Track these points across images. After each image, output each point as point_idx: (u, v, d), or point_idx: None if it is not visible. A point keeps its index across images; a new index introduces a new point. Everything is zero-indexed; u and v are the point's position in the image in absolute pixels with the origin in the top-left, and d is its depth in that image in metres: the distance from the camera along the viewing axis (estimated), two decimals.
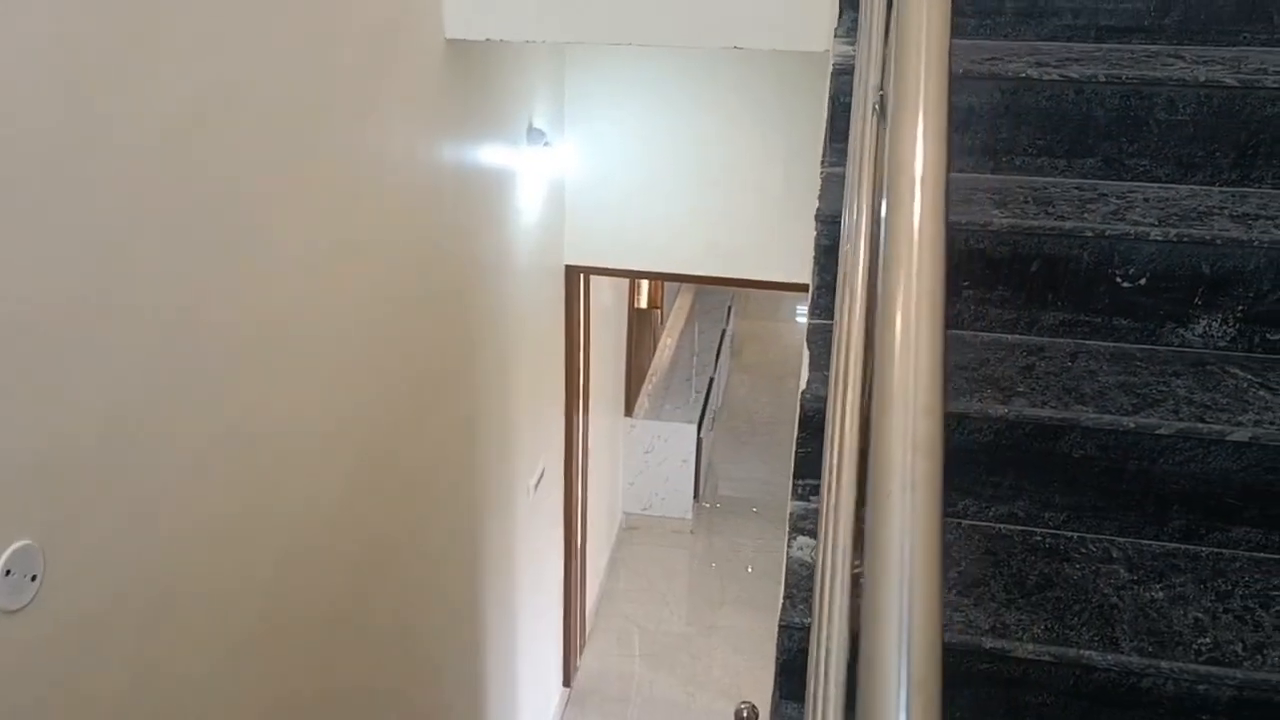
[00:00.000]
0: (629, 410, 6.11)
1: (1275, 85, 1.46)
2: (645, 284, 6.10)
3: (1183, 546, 1.26)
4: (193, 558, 1.49)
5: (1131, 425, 1.23)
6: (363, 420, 2.04)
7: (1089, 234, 1.38)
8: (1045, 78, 1.52)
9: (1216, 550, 1.25)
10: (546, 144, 3.07)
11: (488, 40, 2.22)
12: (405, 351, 2.24)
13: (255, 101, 1.52)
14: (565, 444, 4.23)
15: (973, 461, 1.31)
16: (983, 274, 1.45)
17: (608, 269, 3.95)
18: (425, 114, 2.19)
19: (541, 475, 3.76)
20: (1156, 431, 1.22)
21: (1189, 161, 1.53)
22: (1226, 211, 1.42)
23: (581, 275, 4.00)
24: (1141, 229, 1.37)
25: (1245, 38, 1.65)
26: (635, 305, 6.12)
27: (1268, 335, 1.38)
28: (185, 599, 1.48)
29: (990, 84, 1.55)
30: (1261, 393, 1.29)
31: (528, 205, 3.10)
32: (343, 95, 1.79)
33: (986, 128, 1.58)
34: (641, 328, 6.35)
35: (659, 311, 6.49)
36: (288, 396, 1.72)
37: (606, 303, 4.85)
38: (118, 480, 1.29)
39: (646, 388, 6.37)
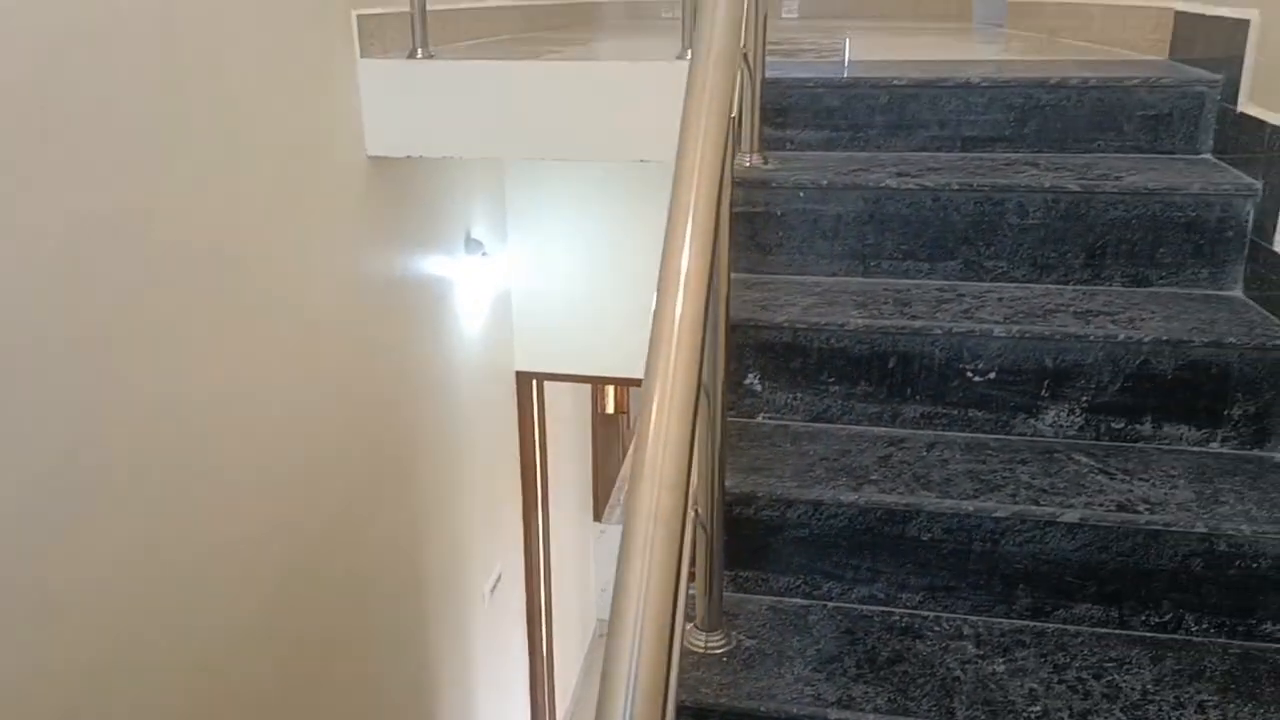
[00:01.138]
0: (598, 515, 6.10)
1: (1115, 190, 1.55)
2: (611, 389, 6.17)
3: (1030, 623, 1.29)
4: (105, 684, 1.50)
5: (971, 509, 1.28)
6: (291, 532, 2.07)
7: (938, 331, 1.45)
8: (904, 186, 1.62)
9: (1061, 626, 1.28)
10: (485, 254, 3.18)
11: (408, 157, 2.33)
12: (338, 462, 2.28)
13: (168, 227, 1.60)
14: (524, 547, 4.23)
15: (834, 546, 1.34)
16: (846, 370, 1.52)
17: (559, 374, 4.02)
18: (350, 230, 2.28)
19: (498, 579, 3.74)
20: (994, 514, 1.27)
21: (1043, 263, 1.61)
22: (1072, 309, 1.50)
23: (534, 381, 4.07)
24: (986, 326, 1.44)
25: (1099, 145, 1.76)
26: (601, 410, 6.18)
27: (1112, 424, 1.43)
28: None
29: (855, 193, 1.65)
30: (1099, 477, 1.33)
31: (470, 314, 3.19)
32: (262, 216, 1.88)
33: (854, 234, 1.67)
34: (609, 433, 6.39)
35: (625, 416, 6.54)
36: (201, 514, 1.75)
37: (566, 408, 4.90)
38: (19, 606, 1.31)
39: (617, 493, 6.38)
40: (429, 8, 2.48)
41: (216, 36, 1.71)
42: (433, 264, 2.85)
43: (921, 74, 1.81)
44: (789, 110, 1.86)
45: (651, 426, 0.78)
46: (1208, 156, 1.72)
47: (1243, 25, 1.61)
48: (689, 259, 0.86)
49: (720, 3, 1.04)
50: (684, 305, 0.83)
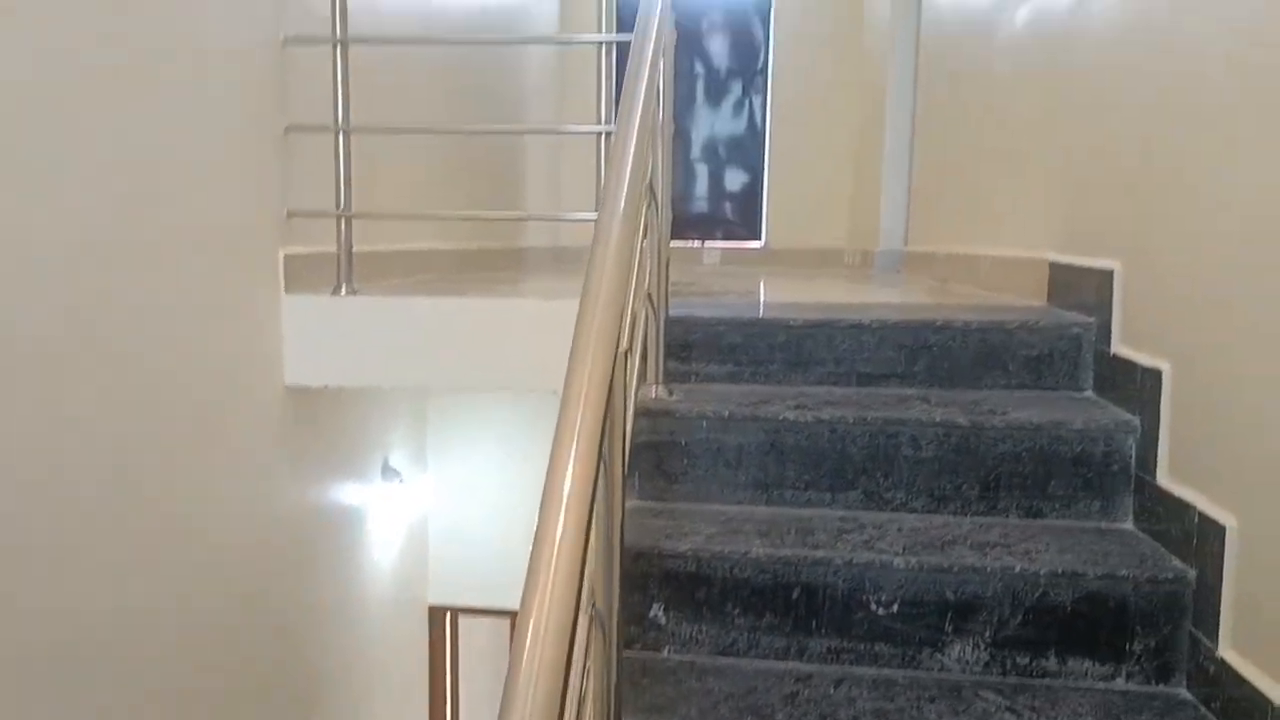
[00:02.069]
0: None
1: (1002, 425, 1.62)
2: None
3: None
4: None
5: None
6: None
7: (840, 562, 1.45)
8: (802, 419, 1.67)
9: None
10: (402, 482, 3.13)
11: (326, 387, 2.34)
12: (232, 695, 2.11)
13: (71, 447, 1.55)
14: None
15: None
16: (751, 601, 1.49)
17: (476, 609, 3.87)
18: (261, 457, 2.24)
19: None
20: None
21: (940, 494, 1.64)
22: (969, 540, 1.51)
23: (448, 615, 3.90)
24: (886, 557, 1.44)
25: (987, 383, 1.85)
26: None
27: (1017, 659, 1.41)
28: None
29: (756, 425, 1.69)
30: (1008, 716, 1.30)
31: (383, 544, 3.09)
32: (169, 443, 1.84)
33: (757, 464, 1.69)
34: None
35: None
36: None
37: (482, 643, 4.68)
38: None
39: None
40: (360, 249, 2.58)
41: (143, 266, 1.73)
42: (347, 492, 2.79)
43: (817, 314, 1.91)
44: (694, 346, 1.93)
45: (525, 657, 0.74)
46: (1090, 394, 1.81)
47: (1108, 275, 1.75)
48: (571, 482, 0.86)
49: (610, 251, 1.10)
50: (565, 528, 0.82)
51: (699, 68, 6.24)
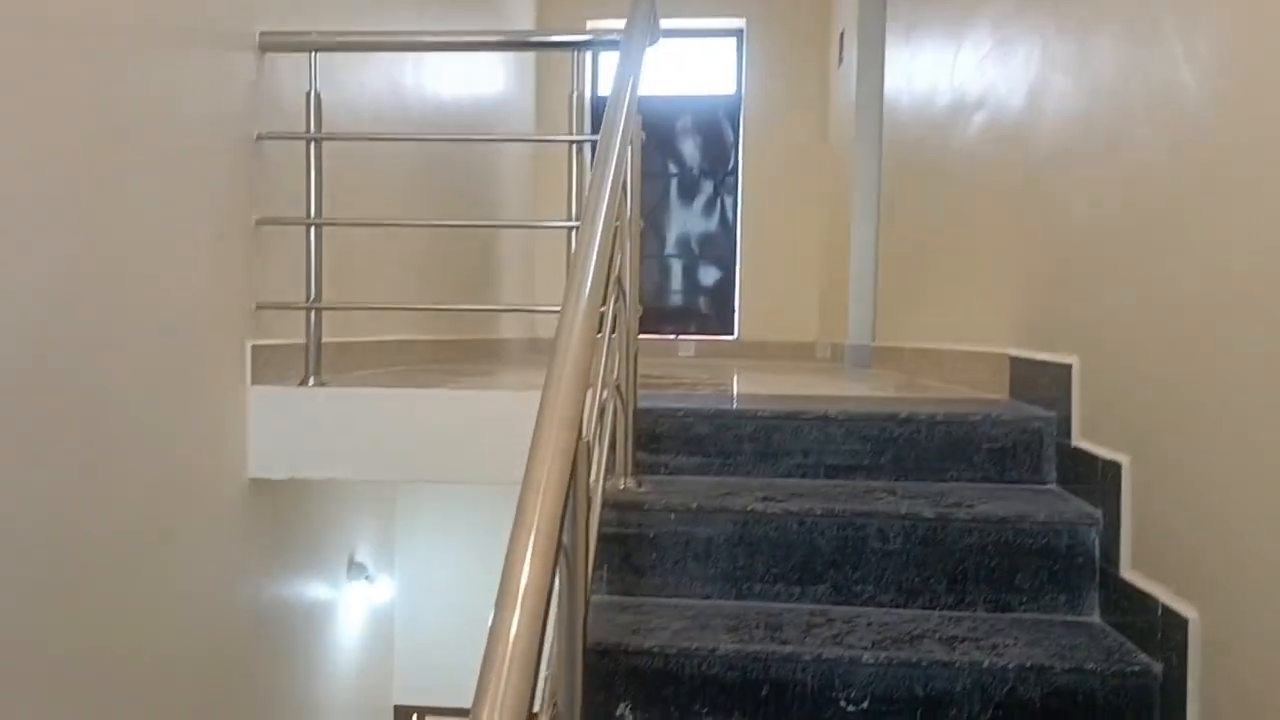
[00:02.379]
0: None
1: (968, 517, 1.62)
2: None
3: None
4: None
5: None
6: None
7: (808, 658, 1.43)
8: (770, 511, 1.67)
9: None
10: (368, 578, 3.07)
11: (291, 479, 2.31)
12: None
13: (32, 552, 1.52)
14: None
15: None
16: (720, 700, 1.46)
17: (443, 709, 3.76)
18: (222, 552, 2.20)
19: None
20: None
21: (909, 587, 1.63)
22: (938, 634, 1.50)
23: (414, 716, 3.78)
24: (855, 653, 1.43)
25: (952, 475, 1.86)
26: None
27: None
28: None
29: (725, 516, 1.68)
30: None
31: (348, 642, 3.01)
32: (126, 538, 1.81)
33: (726, 557, 1.68)
34: None
35: None
36: None
37: None
38: None
39: None
40: (334, 339, 2.59)
41: (105, 357, 1.73)
42: (311, 588, 2.73)
43: (784, 406, 1.93)
44: (662, 437, 1.93)
45: None
46: (1053, 486, 1.83)
47: (1066, 370, 1.79)
48: (528, 576, 0.85)
49: (572, 343, 1.11)
50: (520, 624, 0.81)
51: (673, 167, 6.42)
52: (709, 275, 6.48)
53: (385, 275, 3.10)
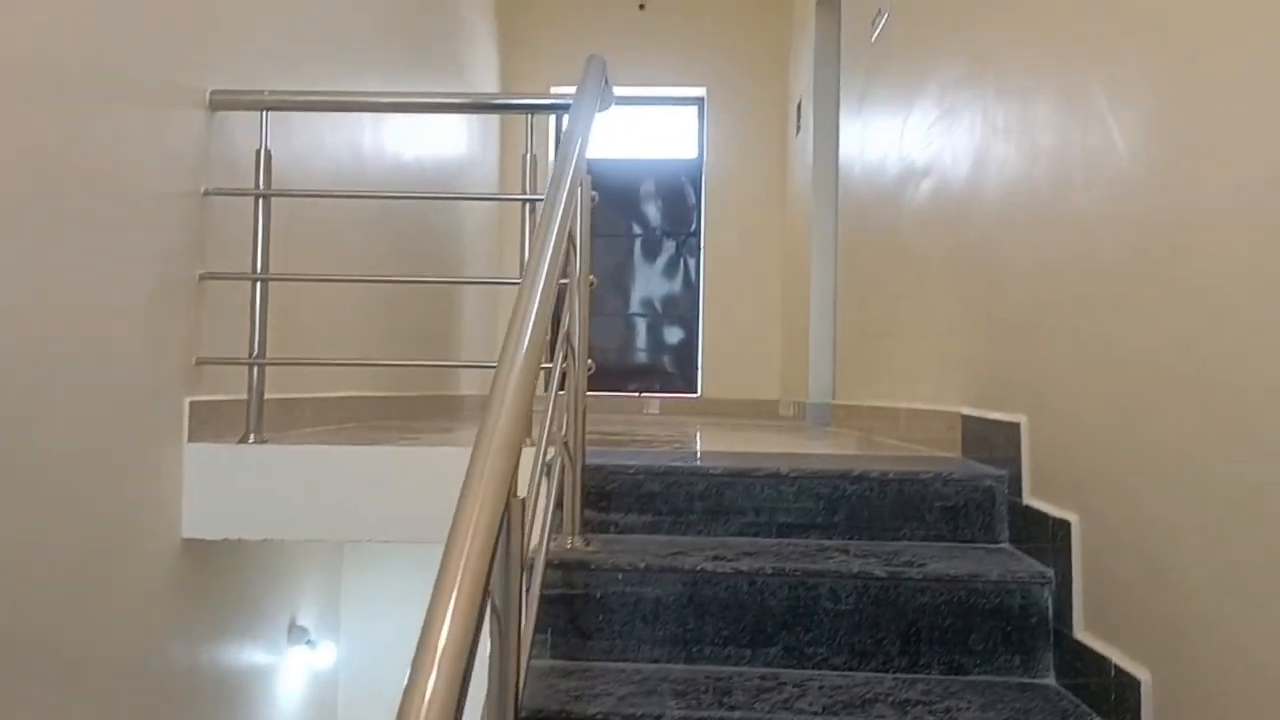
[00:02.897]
0: None
1: (920, 577, 1.59)
2: None
3: None
4: None
5: None
6: None
7: None
8: (720, 570, 1.62)
9: None
10: (310, 642, 2.96)
11: (226, 539, 2.23)
12: None
13: None
14: None
15: None
16: None
17: None
18: (156, 616, 2.10)
19: None
20: None
21: (861, 649, 1.59)
22: (891, 698, 1.46)
23: None
24: (804, 717, 1.38)
25: (905, 533, 1.84)
26: None
27: None
28: None
29: (674, 576, 1.64)
30: None
31: (287, 711, 2.89)
32: (55, 599, 1.72)
33: (675, 618, 1.63)
34: None
35: None
36: None
37: None
38: None
39: None
40: (280, 395, 2.53)
41: (36, 411, 1.66)
42: (249, 654, 2.62)
43: (736, 464, 1.90)
44: (613, 495, 1.89)
45: None
46: (1006, 545, 1.81)
47: (1015, 428, 1.78)
48: (448, 637, 0.81)
49: (507, 398, 1.08)
50: (435, 691, 0.76)
51: (637, 228, 6.47)
52: (672, 334, 6.50)
53: (341, 332, 3.06)
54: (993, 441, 1.93)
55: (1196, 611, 1.17)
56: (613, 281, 6.50)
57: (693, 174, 6.48)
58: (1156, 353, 1.27)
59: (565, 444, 1.77)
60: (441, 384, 4.48)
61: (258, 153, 2.25)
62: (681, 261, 6.52)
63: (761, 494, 1.87)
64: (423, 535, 2.24)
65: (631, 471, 1.89)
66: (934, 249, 2.47)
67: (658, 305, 6.51)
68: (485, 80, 5.75)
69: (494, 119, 5.99)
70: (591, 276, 2.29)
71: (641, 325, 6.52)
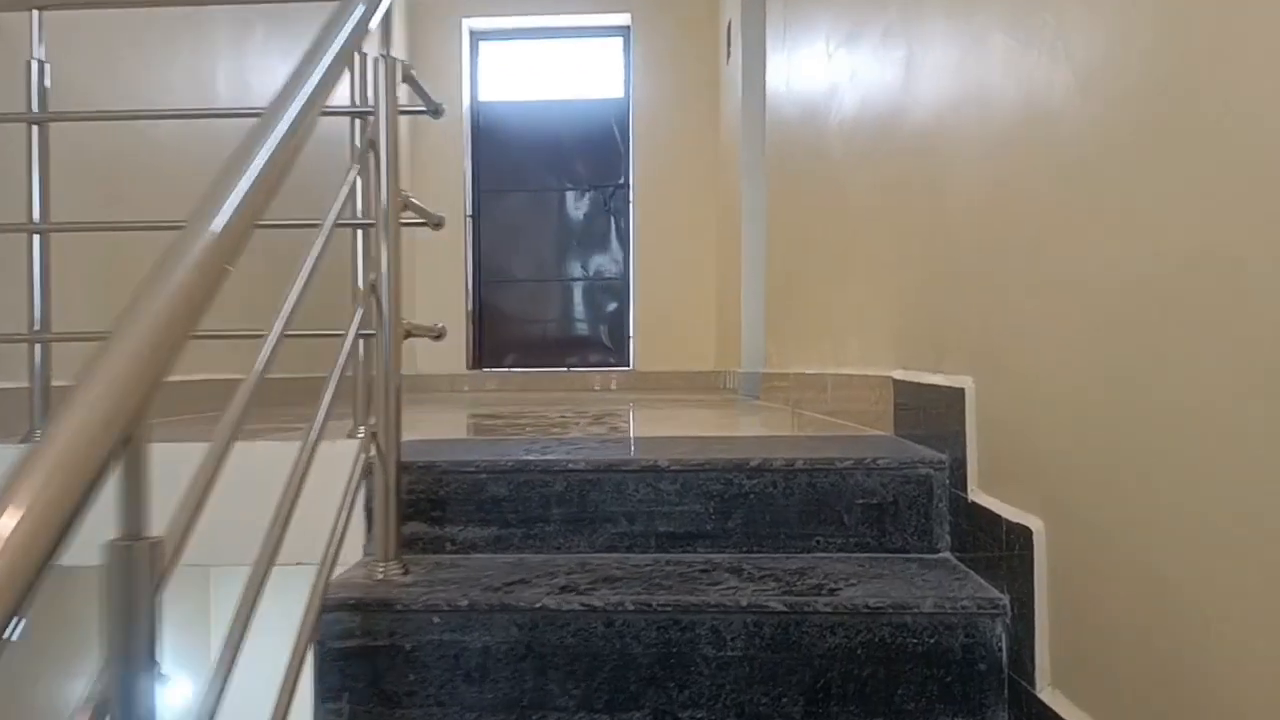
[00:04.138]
0: None
1: (829, 610, 1.19)
2: None
3: None
4: None
5: None
6: None
7: None
8: (566, 608, 1.20)
9: None
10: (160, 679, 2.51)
11: None
12: None
13: None
14: None
15: None
16: None
17: None
18: None
19: None
20: None
21: (754, 712, 1.19)
22: None
23: None
24: None
25: (818, 542, 1.43)
26: None
27: None
28: None
29: (506, 617, 1.22)
30: None
31: None
32: None
33: (508, 676, 1.21)
34: None
35: None
36: None
37: None
38: None
39: None
40: None
41: None
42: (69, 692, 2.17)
43: (603, 455, 1.47)
44: (448, 502, 1.46)
45: None
46: (946, 555, 1.41)
47: (958, 395, 1.37)
48: None
49: (111, 370, 0.65)
50: None
51: (557, 181, 5.95)
52: (602, 301, 6.01)
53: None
54: (930, 414, 1.52)
55: (1223, 679, 0.77)
56: (533, 243, 6.00)
57: (620, 116, 5.92)
58: (1162, 281, 0.86)
59: (373, 433, 1.34)
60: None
61: (28, 64, 1.77)
62: (610, 218, 6.00)
63: (635, 495, 1.45)
64: (289, 554, 1.79)
65: (471, 470, 1.46)
66: (861, 175, 2.05)
67: (585, 268, 5.99)
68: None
69: (399, 55, 5.42)
70: (438, 215, 1.84)
71: (565, 292, 6.00)
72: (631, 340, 5.89)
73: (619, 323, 5.99)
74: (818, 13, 2.58)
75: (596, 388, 5.75)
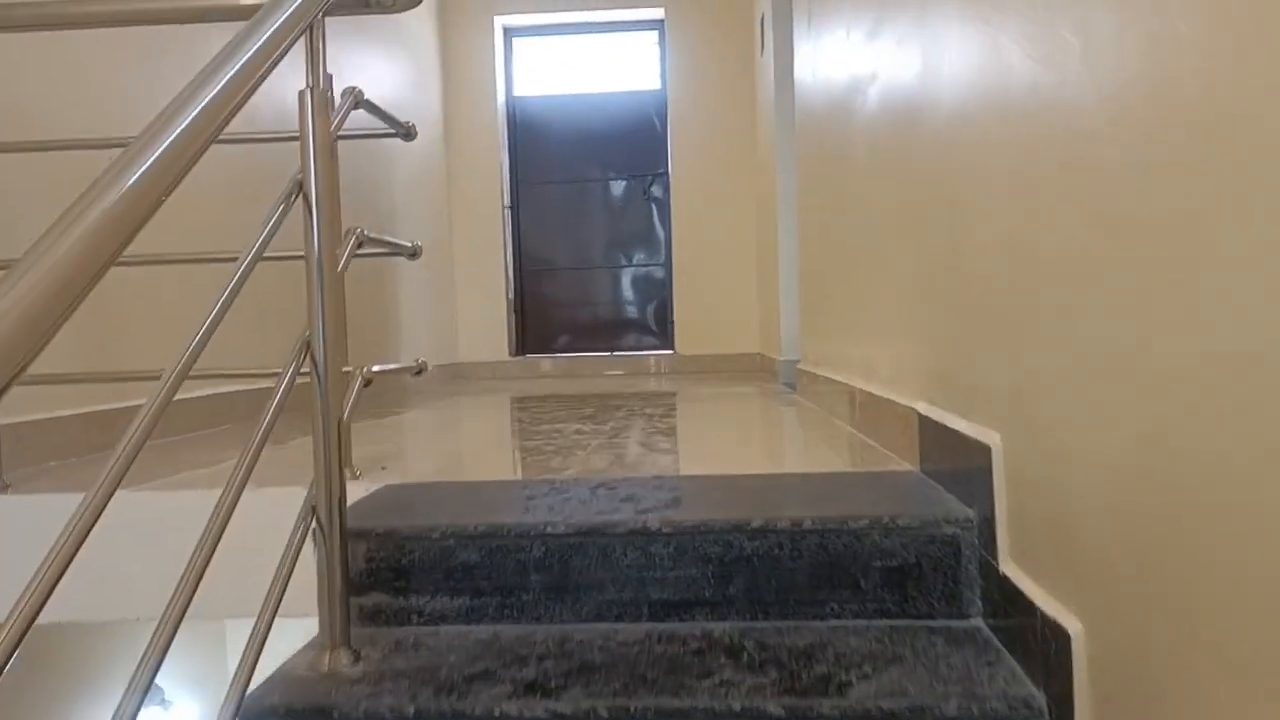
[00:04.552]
0: None
1: (836, 715, 1.01)
2: None
3: None
4: None
5: None
6: None
7: None
8: (527, 716, 1.05)
9: None
10: (163, 702, 2.44)
11: None
12: None
13: None
14: None
15: None
16: None
17: None
18: None
19: None
20: None
21: None
22: None
23: None
24: None
25: (832, 609, 1.25)
26: None
27: None
28: None
29: None
30: None
31: None
32: None
33: None
34: None
35: None
36: None
37: None
38: None
39: None
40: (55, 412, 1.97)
41: None
42: None
43: (585, 518, 1.31)
44: (412, 571, 1.32)
45: None
46: (978, 624, 1.22)
47: (985, 452, 1.18)
48: None
49: None
50: None
51: (598, 171, 5.78)
52: (644, 286, 5.86)
53: (166, 313, 2.46)
54: (956, 463, 1.33)
55: None
56: (574, 231, 5.86)
57: (658, 106, 5.76)
58: (1241, 341, 0.66)
59: (314, 509, 1.19)
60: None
61: None
62: (651, 205, 5.84)
63: (625, 560, 1.29)
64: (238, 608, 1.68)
65: (436, 537, 1.31)
66: (884, 189, 1.85)
67: (626, 255, 5.85)
68: (420, 11, 5.05)
69: (430, 56, 5.28)
70: (412, 243, 1.70)
71: (608, 278, 5.87)
72: (674, 324, 5.73)
73: (662, 307, 5.85)
74: (837, 8, 2.37)
75: (635, 374, 5.61)
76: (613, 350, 5.88)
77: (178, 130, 0.85)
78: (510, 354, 5.72)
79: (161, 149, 0.83)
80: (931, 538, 1.24)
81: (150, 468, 1.87)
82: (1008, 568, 1.13)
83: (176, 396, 2.28)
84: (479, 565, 1.31)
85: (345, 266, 1.32)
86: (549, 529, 1.29)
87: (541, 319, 5.89)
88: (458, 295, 5.67)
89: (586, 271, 5.88)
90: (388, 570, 1.32)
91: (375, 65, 4.20)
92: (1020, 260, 1.07)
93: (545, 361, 5.73)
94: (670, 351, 5.75)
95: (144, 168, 0.80)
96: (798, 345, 3.94)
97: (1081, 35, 0.88)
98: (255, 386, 2.77)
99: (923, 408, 1.52)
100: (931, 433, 1.47)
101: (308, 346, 1.20)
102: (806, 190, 3.12)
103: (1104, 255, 0.85)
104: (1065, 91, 0.92)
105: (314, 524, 1.19)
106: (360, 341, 3.84)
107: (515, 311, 5.83)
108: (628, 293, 5.88)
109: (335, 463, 1.20)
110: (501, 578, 1.30)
